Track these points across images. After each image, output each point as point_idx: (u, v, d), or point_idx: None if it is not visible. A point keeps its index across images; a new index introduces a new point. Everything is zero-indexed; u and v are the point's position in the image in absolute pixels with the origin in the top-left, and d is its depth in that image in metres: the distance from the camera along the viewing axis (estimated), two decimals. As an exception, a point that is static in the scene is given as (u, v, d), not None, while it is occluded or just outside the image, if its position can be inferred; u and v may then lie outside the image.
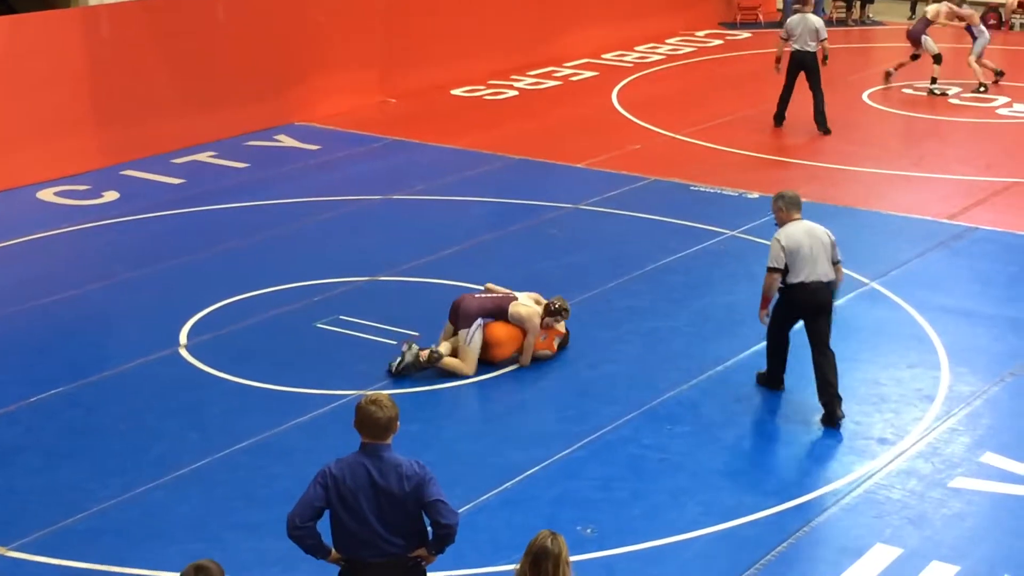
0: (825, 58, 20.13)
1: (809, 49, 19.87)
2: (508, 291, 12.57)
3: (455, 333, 12.20)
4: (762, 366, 12.08)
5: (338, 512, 7.10)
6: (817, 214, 16.45)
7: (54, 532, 9.67)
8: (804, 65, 19.97)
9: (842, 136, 20.20)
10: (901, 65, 23.38)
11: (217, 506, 10.06)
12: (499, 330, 12.19)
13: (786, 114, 20.46)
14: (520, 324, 12.21)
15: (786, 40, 20.03)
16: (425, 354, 11.98)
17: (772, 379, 11.96)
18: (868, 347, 12.81)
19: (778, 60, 20.29)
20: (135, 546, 9.48)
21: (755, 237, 15.58)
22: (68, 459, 10.77)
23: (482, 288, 12.77)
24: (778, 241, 11.41)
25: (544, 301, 12.50)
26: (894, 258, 15.00)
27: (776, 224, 11.70)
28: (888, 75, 23.52)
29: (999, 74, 23.55)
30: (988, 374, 12.20)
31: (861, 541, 9.54)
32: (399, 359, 11.98)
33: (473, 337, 12.04)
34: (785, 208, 11.64)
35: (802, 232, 11.47)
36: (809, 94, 20.12)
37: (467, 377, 12.05)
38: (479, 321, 12.05)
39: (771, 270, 11.41)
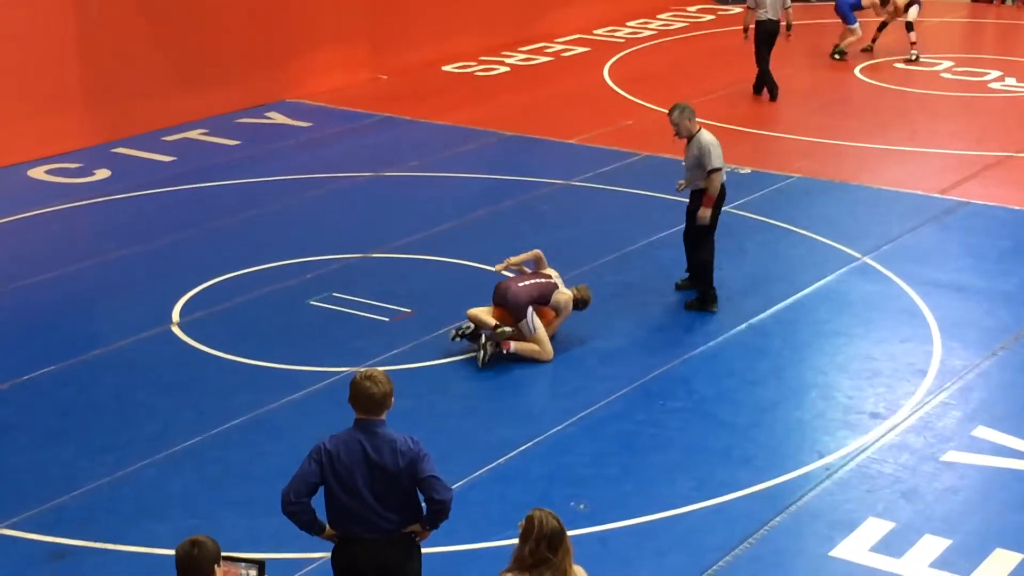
0: (789, 26, 20.42)
1: (778, 19, 20.23)
2: (543, 273, 12.41)
3: (503, 314, 12.07)
4: (755, 341, 12.11)
5: (332, 488, 7.10)
6: (809, 189, 16.54)
7: (47, 510, 9.68)
8: (775, 34, 20.15)
9: (834, 111, 20.19)
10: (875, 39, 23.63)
11: (210, 483, 10.07)
12: (541, 315, 12.21)
13: (776, 82, 20.51)
14: (556, 309, 12.22)
15: (754, 9, 20.15)
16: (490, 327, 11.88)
17: (709, 298, 12.99)
18: (860, 322, 12.82)
19: (746, 30, 20.49)
20: (128, 524, 9.49)
21: (746, 212, 15.58)
22: (60, 437, 10.77)
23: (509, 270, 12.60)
24: (716, 145, 12.72)
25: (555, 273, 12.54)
26: (886, 233, 15.00)
27: (682, 135, 12.86)
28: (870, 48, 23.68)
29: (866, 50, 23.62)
30: (980, 348, 12.22)
31: (853, 515, 9.56)
32: (483, 354, 11.83)
33: (534, 324, 11.99)
34: (690, 118, 12.80)
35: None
36: (794, 67, 20.09)
37: (548, 362, 12.02)
38: (531, 308, 12.02)
39: (719, 171, 12.71)
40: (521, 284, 12.10)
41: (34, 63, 17.76)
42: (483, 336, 11.89)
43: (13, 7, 17.59)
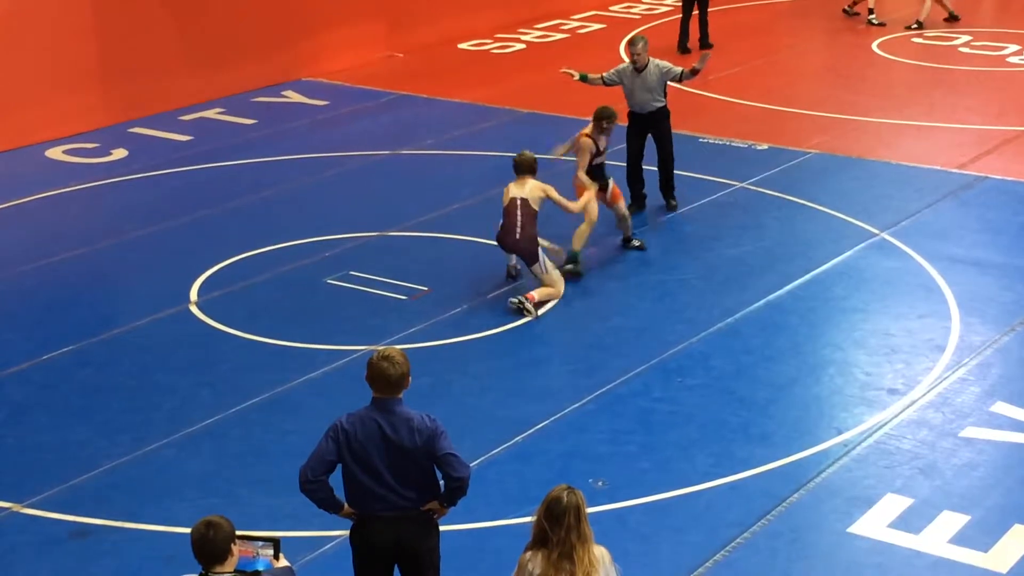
0: None
1: None
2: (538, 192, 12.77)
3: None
4: (772, 318, 12.10)
5: (350, 466, 7.12)
6: (827, 164, 16.48)
7: (67, 489, 9.73)
8: None
9: (851, 86, 20.11)
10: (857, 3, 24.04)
11: (228, 462, 10.10)
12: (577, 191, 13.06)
13: (686, 36, 21.86)
14: (577, 151, 13.32)
15: None
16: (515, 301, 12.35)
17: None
18: (878, 298, 12.79)
19: None
20: (146, 502, 9.53)
21: (764, 189, 15.54)
22: (79, 417, 10.81)
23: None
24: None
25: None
26: (904, 208, 14.95)
27: (642, 64, 14.51)
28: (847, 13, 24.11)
29: (953, 17, 23.68)
30: (998, 323, 12.19)
31: (872, 491, 9.55)
32: (534, 310, 12.31)
33: (546, 264, 12.51)
34: (646, 49, 14.48)
35: None
36: (811, 42, 20.08)
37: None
38: (540, 250, 12.41)
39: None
40: (519, 228, 12.45)
41: (51, 43, 17.77)
42: (518, 300, 12.28)
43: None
